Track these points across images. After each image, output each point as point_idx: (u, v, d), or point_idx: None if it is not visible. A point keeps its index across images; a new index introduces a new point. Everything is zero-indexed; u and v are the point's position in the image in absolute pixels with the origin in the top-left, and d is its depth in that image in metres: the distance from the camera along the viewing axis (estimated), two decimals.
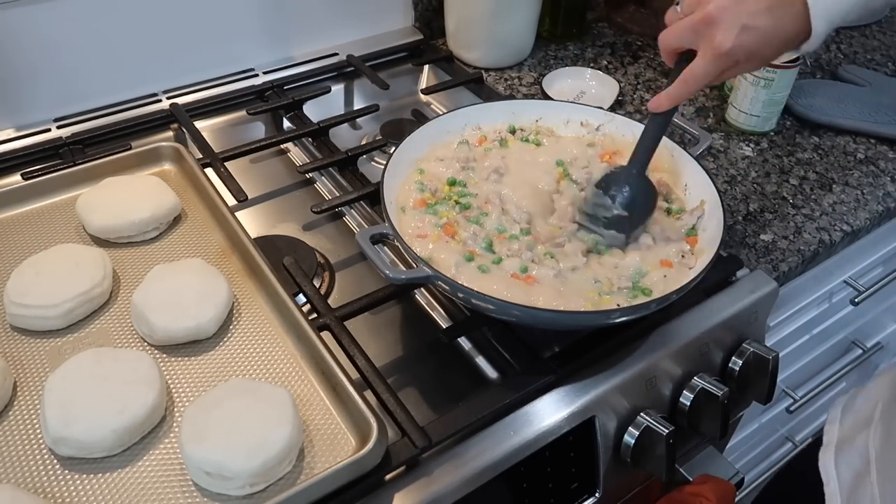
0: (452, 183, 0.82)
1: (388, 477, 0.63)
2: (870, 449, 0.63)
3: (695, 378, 0.76)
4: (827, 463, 0.69)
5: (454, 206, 0.79)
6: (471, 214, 0.79)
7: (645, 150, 0.74)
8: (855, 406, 0.77)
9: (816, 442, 0.78)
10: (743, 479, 0.88)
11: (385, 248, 0.86)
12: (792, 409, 1.19)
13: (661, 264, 0.74)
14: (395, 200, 0.79)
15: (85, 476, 0.59)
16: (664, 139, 0.84)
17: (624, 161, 0.86)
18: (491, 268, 0.72)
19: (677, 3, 0.69)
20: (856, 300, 1.10)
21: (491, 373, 0.75)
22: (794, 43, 0.65)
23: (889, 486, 0.63)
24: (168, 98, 1.04)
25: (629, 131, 0.88)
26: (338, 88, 1.13)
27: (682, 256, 0.75)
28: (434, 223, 0.76)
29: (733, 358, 0.80)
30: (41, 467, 0.60)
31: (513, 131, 0.90)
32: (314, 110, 1.06)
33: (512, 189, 0.81)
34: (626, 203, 0.74)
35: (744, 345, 0.80)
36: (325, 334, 0.70)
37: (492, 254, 0.74)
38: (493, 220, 0.78)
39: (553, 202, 0.81)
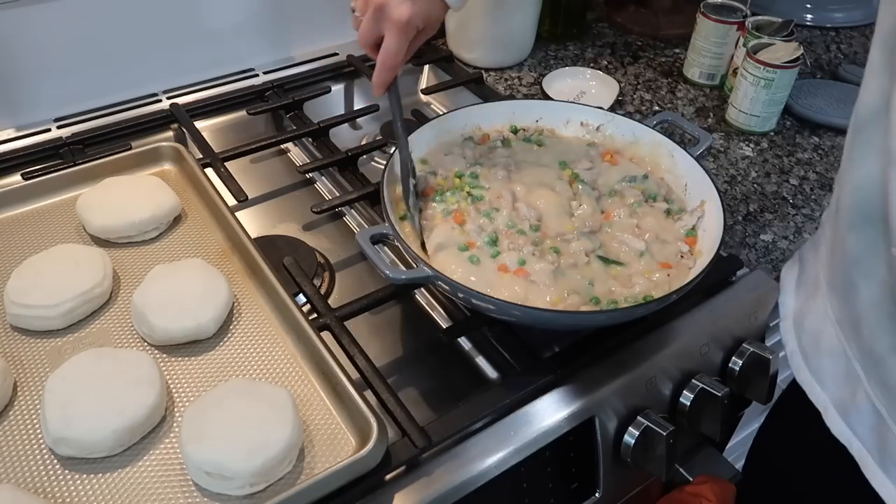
0: (460, 176, 0.82)
1: (388, 477, 0.63)
2: (875, 404, 0.63)
3: (695, 378, 0.76)
4: (839, 427, 0.68)
5: (466, 197, 0.80)
6: (482, 207, 0.79)
7: (396, 129, 0.80)
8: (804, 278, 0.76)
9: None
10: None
11: (385, 248, 0.86)
12: None
13: (660, 266, 0.74)
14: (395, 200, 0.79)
15: (85, 476, 0.59)
16: (664, 139, 0.85)
17: (623, 159, 0.87)
18: (483, 259, 0.72)
19: (353, 10, 0.75)
20: None
21: (491, 373, 0.75)
22: None
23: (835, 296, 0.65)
24: (168, 98, 1.04)
25: (629, 131, 0.88)
26: (338, 88, 1.13)
27: (682, 256, 0.75)
28: (443, 209, 0.77)
29: (733, 358, 0.80)
30: (41, 467, 0.60)
31: (514, 131, 0.90)
32: (314, 110, 1.06)
33: (525, 187, 0.81)
34: None
35: (744, 345, 0.80)
36: (325, 334, 0.70)
37: (492, 247, 0.74)
38: (504, 215, 0.78)
39: (572, 209, 0.80)
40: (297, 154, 1.04)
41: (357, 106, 1.14)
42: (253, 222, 0.92)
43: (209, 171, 0.89)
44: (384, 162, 0.79)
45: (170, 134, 1.01)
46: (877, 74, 0.58)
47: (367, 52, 0.77)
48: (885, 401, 0.61)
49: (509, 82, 1.16)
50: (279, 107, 1.04)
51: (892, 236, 0.55)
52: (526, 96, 1.13)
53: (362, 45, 0.76)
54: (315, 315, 0.73)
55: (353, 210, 0.94)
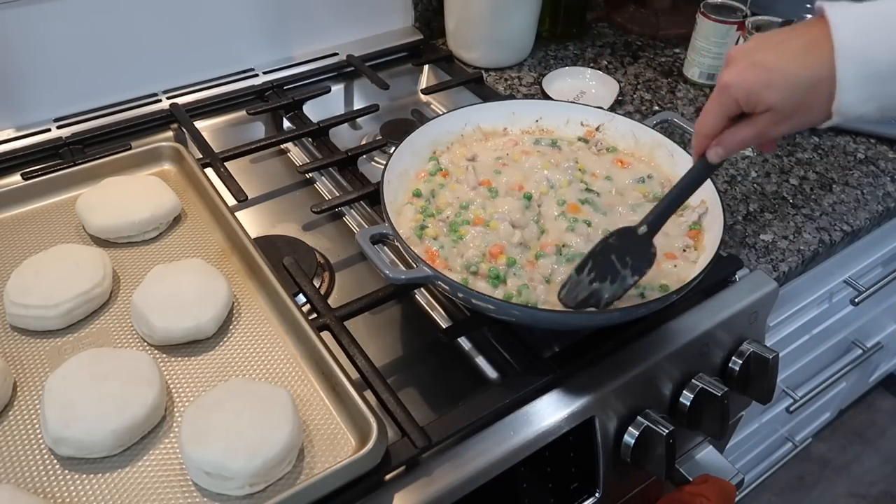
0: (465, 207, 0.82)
1: (388, 477, 0.63)
2: None
3: (695, 378, 0.76)
4: None
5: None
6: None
7: (663, 213, 0.68)
8: None
9: None
10: (743, 479, 0.88)
11: (385, 248, 0.86)
12: (792, 409, 1.19)
13: (665, 257, 0.75)
14: (396, 200, 0.79)
15: (85, 476, 0.59)
16: (664, 138, 0.85)
17: (633, 160, 0.87)
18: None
19: None
20: (856, 300, 1.10)
21: (491, 373, 0.75)
22: (812, 96, 0.55)
23: None
24: (168, 98, 1.04)
25: (629, 131, 0.88)
26: (338, 88, 1.13)
27: (685, 250, 0.75)
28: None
29: (733, 358, 0.80)
30: (41, 467, 0.60)
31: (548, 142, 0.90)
32: (314, 110, 1.05)
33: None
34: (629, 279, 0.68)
35: (744, 345, 0.80)
36: (325, 334, 0.70)
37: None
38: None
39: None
40: (296, 154, 1.04)
41: (357, 106, 1.14)
42: (253, 222, 0.92)
43: (209, 171, 0.89)
44: (384, 162, 0.79)
45: (170, 134, 1.01)
46: None
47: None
48: None
49: (509, 82, 1.16)
50: (279, 107, 1.04)
51: None
52: (526, 96, 1.13)
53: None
54: (315, 315, 0.73)
55: (352, 210, 0.94)
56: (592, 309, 0.69)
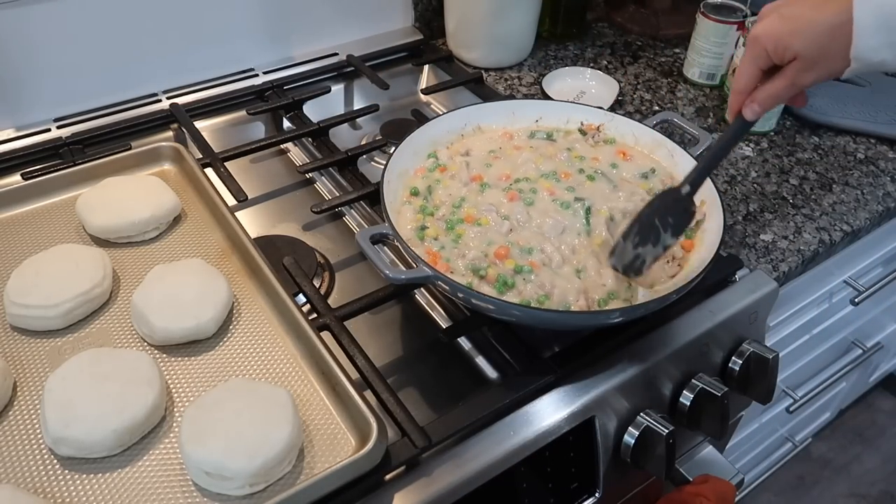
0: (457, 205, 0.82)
1: (388, 477, 0.63)
2: None
3: (695, 378, 0.76)
4: None
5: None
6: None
7: (703, 169, 0.71)
8: None
9: None
10: (743, 479, 0.88)
11: (385, 248, 0.86)
12: (792, 409, 1.19)
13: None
14: (396, 200, 0.79)
15: (85, 476, 0.59)
16: (664, 138, 0.85)
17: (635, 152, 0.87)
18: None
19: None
20: (856, 300, 1.10)
21: (491, 373, 0.75)
22: (833, 43, 0.58)
23: None
24: (168, 98, 1.04)
25: (629, 131, 0.88)
26: (338, 88, 1.13)
27: (667, 262, 0.75)
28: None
29: (733, 358, 0.80)
30: (41, 467, 0.60)
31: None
32: (314, 110, 1.05)
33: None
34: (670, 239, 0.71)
35: (744, 345, 0.80)
36: (325, 334, 0.70)
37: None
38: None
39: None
40: (296, 154, 1.04)
41: (357, 106, 1.14)
42: (253, 222, 0.92)
43: (209, 171, 0.89)
44: (384, 162, 0.79)
45: (170, 134, 1.01)
46: None
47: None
48: None
49: (509, 82, 1.16)
50: (279, 107, 1.04)
51: None
52: (526, 96, 1.13)
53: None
54: (315, 315, 0.73)
55: (352, 210, 0.94)
56: (593, 309, 0.69)
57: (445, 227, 0.77)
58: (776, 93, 0.64)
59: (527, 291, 0.70)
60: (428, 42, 1.21)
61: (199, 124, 1.00)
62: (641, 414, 0.72)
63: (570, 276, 0.72)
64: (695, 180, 0.71)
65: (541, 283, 0.71)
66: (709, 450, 0.90)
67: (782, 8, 0.61)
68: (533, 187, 0.80)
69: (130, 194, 0.80)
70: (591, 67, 1.18)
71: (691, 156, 0.82)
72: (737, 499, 0.88)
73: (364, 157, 0.98)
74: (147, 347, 0.69)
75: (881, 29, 0.56)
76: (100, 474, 0.59)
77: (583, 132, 0.90)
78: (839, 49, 0.58)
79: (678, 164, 0.83)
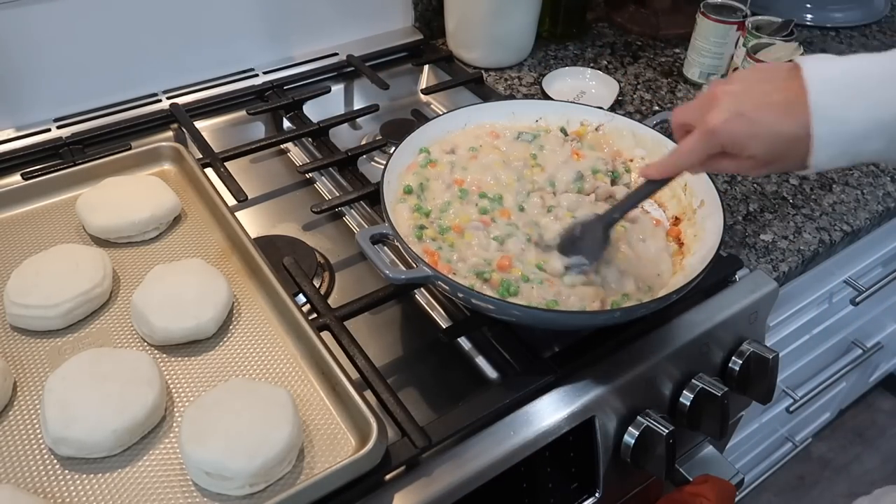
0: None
1: (388, 477, 0.63)
2: None
3: (695, 378, 0.76)
4: None
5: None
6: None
7: (622, 207, 0.73)
8: None
9: None
10: (743, 479, 0.88)
11: (385, 248, 0.86)
12: (792, 409, 1.19)
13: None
14: (395, 199, 0.79)
15: (85, 476, 0.59)
16: (664, 139, 0.85)
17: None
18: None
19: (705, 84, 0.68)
20: (856, 300, 1.10)
21: (491, 373, 0.75)
22: (791, 150, 0.58)
23: None
24: (168, 98, 1.04)
25: (629, 131, 0.88)
26: (338, 88, 1.13)
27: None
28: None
29: (733, 358, 0.80)
30: (41, 467, 0.60)
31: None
32: (314, 110, 1.06)
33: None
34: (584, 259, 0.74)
35: (744, 345, 0.80)
36: (325, 334, 0.70)
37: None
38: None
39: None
40: (297, 154, 1.04)
41: (357, 106, 1.14)
42: (253, 222, 0.92)
43: (209, 171, 0.89)
44: (384, 162, 0.79)
45: (170, 134, 1.01)
46: None
47: (673, 131, 0.69)
48: None
49: (509, 82, 1.16)
50: (279, 107, 1.04)
51: None
52: (526, 96, 1.13)
53: (673, 120, 0.67)
54: (315, 315, 0.73)
55: (352, 210, 0.94)
56: (593, 309, 0.69)
57: (438, 230, 0.77)
58: (721, 170, 0.65)
59: (533, 296, 0.70)
60: (428, 42, 1.21)
61: (199, 124, 1.00)
62: (641, 414, 0.72)
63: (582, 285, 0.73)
64: (612, 217, 0.73)
65: (557, 292, 0.71)
66: (709, 450, 0.90)
67: (742, 104, 0.59)
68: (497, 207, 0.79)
69: (130, 194, 0.80)
70: (591, 67, 1.18)
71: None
72: (737, 499, 0.88)
73: (364, 157, 0.98)
74: (147, 347, 0.69)
75: (837, 144, 0.56)
76: (100, 474, 0.59)
77: (564, 133, 0.89)
78: (796, 156, 0.58)
79: None
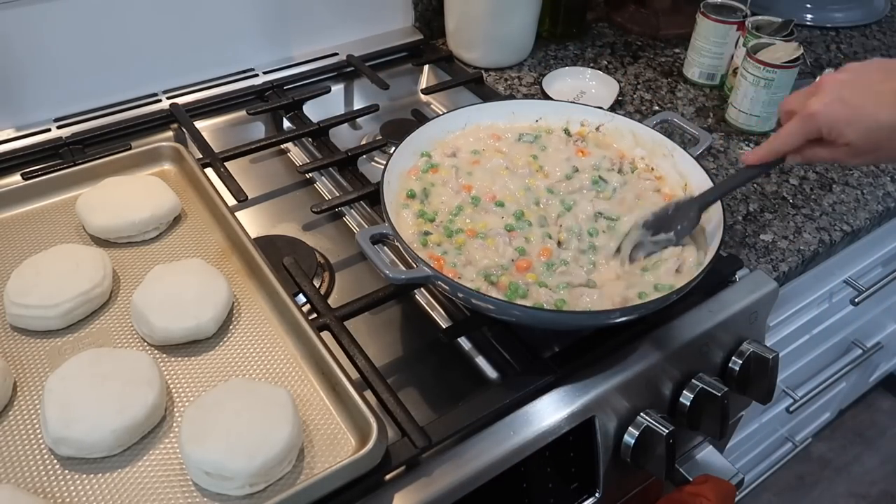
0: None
1: (388, 477, 0.63)
2: None
3: (695, 378, 0.76)
4: None
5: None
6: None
7: (717, 191, 0.75)
8: None
9: None
10: (743, 479, 0.88)
11: (385, 248, 0.86)
12: (792, 409, 1.19)
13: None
14: (395, 200, 0.79)
15: (85, 476, 0.59)
16: (664, 139, 0.85)
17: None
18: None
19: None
20: (856, 300, 1.10)
21: (491, 373, 0.75)
22: (890, 140, 0.58)
23: None
24: (168, 98, 1.04)
25: (629, 131, 0.88)
26: (338, 88, 1.13)
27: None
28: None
29: (733, 358, 0.80)
30: (41, 467, 0.60)
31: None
32: (314, 110, 1.05)
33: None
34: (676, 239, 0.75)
35: (744, 345, 0.80)
36: (325, 334, 0.70)
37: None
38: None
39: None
40: (297, 154, 1.04)
41: (357, 106, 1.14)
42: (253, 222, 0.92)
43: (209, 171, 0.89)
44: (384, 162, 0.79)
45: (170, 134, 1.01)
46: None
47: (780, 116, 0.69)
48: None
49: (509, 82, 1.16)
50: (279, 107, 1.04)
51: None
52: (526, 96, 1.13)
53: (782, 106, 0.67)
54: (315, 315, 0.73)
55: (352, 210, 0.94)
56: (592, 308, 0.68)
57: (444, 234, 0.76)
58: (821, 160, 0.65)
59: (540, 296, 0.70)
60: (428, 42, 1.21)
61: (199, 124, 1.00)
62: (641, 414, 0.72)
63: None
64: (707, 200, 0.74)
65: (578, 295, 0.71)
66: (709, 450, 0.90)
67: (845, 91, 0.59)
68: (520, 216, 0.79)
69: (130, 194, 0.80)
70: (591, 67, 1.18)
71: (691, 156, 0.82)
72: (737, 499, 0.88)
73: (364, 157, 0.98)
74: (147, 347, 0.69)
75: None
76: (100, 474, 0.59)
77: (568, 133, 0.90)
78: (892, 148, 0.58)
79: (678, 163, 0.83)
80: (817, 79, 0.67)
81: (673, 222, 0.75)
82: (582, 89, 1.14)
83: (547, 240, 0.76)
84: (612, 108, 1.07)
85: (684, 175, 0.82)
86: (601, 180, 0.83)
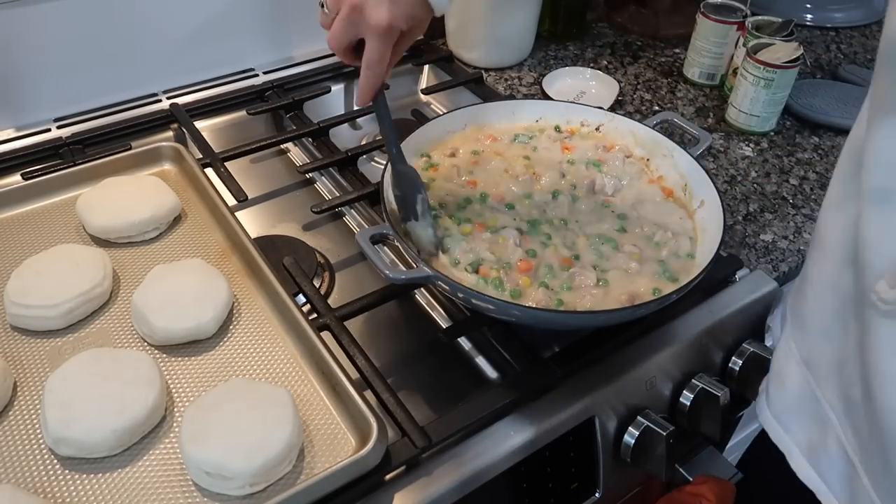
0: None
1: (388, 477, 0.63)
2: (847, 452, 0.60)
3: (695, 378, 0.76)
4: (806, 472, 0.66)
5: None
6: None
7: (389, 140, 0.74)
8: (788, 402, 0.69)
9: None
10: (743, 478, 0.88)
11: (385, 248, 0.86)
12: None
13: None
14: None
15: (85, 476, 0.59)
16: (664, 139, 0.85)
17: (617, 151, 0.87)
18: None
19: (322, 5, 0.66)
20: None
21: (491, 373, 0.75)
22: None
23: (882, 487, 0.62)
24: (168, 98, 1.04)
25: (629, 131, 0.88)
26: (338, 88, 1.13)
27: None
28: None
29: (733, 358, 0.80)
30: (41, 467, 0.60)
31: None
32: (314, 110, 1.06)
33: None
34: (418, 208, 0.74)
35: (744, 345, 0.80)
36: (325, 334, 0.70)
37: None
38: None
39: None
40: (297, 154, 1.04)
41: (357, 106, 1.14)
42: (253, 222, 0.92)
43: (209, 171, 0.89)
44: (384, 162, 0.79)
45: (170, 134, 1.01)
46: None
47: (340, 56, 0.68)
48: (858, 450, 0.58)
49: (509, 82, 1.16)
50: (279, 107, 1.04)
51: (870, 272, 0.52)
52: (526, 96, 1.13)
53: (334, 48, 0.67)
54: (315, 315, 0.73)
55: (352, 210, 0.94)
56: (591, 309, 0.68)
57: (454, 221, 0.76)
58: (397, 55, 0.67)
59: (539, 296, 0.70)
60: (428, 42, 1.21)
61: (199, 124, 1.00)
62: (641, 414, 0.72)
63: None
64: (390, 152, 0.74)
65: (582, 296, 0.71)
66: (709, 450, 0.90)
67: None
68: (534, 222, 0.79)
69: (130, 194, 0.80)
70: (591, 67, 1.18)
71: (691, 156, 0.82)
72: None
73: (364, 157, 0.98)
74: (147, 347, 0.69)
75: None
76: (100, 474, 0.59)
77: (558, 130, 0.90)
78: None
79: (678, 163, 0.83)
80: (325, 8, 0.67)
81: (406, 203, 0.73)
82: (582, 89, 1.14)
83: (564, 249, 0.76)
84: (612, 108, 1.07)
85: (684, 175, 0.82)
86: (593, 164, 0.84)
